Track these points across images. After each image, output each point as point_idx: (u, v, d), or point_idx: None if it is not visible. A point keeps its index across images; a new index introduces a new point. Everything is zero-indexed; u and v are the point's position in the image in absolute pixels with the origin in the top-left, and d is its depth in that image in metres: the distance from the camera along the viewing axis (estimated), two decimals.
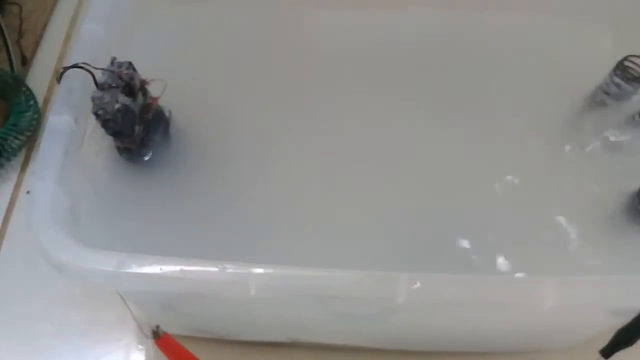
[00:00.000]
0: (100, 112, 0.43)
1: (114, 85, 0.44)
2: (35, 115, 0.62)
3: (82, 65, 0.44)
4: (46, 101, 0.65)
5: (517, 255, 0.45)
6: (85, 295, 0.54)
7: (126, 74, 0.44)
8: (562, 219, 0.47)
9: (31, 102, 0.62)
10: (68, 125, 0.43)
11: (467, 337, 0.49)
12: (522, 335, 0.49)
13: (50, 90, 0.66)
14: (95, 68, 0.44)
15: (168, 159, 0.50)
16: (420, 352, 0.52)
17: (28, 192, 0.39)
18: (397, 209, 0.48)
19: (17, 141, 0.60)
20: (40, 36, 0.69)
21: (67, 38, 0.70)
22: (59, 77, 0.44)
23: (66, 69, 0.44)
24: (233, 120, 0.52)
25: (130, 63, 0.45)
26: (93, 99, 0.43)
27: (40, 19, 0.70)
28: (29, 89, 0.63)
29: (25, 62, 0.67)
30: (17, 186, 0.61)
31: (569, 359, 0.52)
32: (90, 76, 0.44)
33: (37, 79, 0.67)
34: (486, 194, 0.48)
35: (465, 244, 0.45)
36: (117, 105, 0.43)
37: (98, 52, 0.46)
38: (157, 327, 0.45)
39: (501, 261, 0.44)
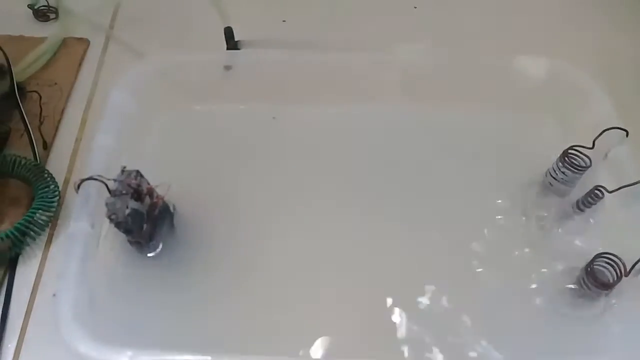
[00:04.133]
0: (113, 216, 0.51)
1: (124, 192, 0.51)
2: (56, 197, 0.69)
3: (96, 177, 0.51)
4: (66, 181, 0.72)
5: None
6: None
7: (134, 182, 0.52)
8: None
9: (52, 185, 0.69)
10: (85, 230, 0.50)
11: None
12: None
13: (69, 171, 0.72)
14: (108, 179, 0.51)
15: (174, 247, 0.57)
16: None
17: (54, 295, 0.47)
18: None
19: (41, 222, 0.67)
20: (59, 121, 0.76)
21: (83, 122, 0.76)
22: (77, 187, 0.52)
23: (83, 180, 0.51)
24: (233, 208, 0.59)
25: (137, 171, 0.52)
26: (107, 204, 0.51)
27: (58, 105, 0.77)
28: (49, 174, 0.70)
29: (46, 146, 0.73)
30: (43, 261, 0.68)
31: None
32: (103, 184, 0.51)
33: (58, 161, 0.73)
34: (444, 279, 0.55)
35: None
36: (127, 211, 0.50)
37: (110, 160, 0.54)
38: None
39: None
